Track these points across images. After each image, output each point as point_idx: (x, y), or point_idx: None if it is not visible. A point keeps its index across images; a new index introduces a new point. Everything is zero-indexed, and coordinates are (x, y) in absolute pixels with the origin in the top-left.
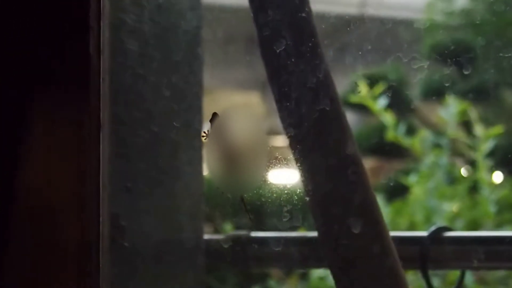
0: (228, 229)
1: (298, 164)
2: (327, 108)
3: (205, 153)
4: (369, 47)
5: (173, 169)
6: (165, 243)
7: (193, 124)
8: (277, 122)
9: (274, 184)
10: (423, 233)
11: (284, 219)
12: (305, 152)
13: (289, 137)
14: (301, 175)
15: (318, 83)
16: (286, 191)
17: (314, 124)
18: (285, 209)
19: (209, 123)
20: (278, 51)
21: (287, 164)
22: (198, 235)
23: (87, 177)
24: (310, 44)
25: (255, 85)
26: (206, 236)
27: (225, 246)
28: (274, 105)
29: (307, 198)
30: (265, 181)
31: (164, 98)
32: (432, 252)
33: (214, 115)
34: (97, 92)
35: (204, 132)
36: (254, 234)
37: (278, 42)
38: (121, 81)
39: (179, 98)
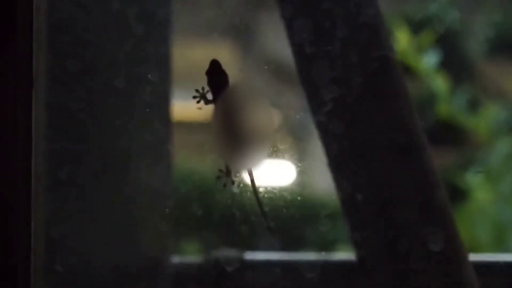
0: (192, 249)
1: (344, 143)
2: (390, 56)
3: (212, 124)
4: None
5: (130, 152)
6: (115, 268)
7: (160, 85)
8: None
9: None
10: None
11: (322, 227)
12: (355, 124)
13: (330, 100)
14: (343, 163)
15: (377, 17)
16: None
17: (371, 80)
18: (323, 213)
19: (205, 77)
20: None
21: (278, 154)
22: (164, 257)
23: (12, 162)
24: None
25: (223, 30)
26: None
27: (229, 269)
28: (251, 60)
29: (359, 196)
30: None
31: (120, 42)
32: None
33: (214, 63)
34: (28, 30)
35: (197, 91)
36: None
37: None
38: (63, 14)
39: (142, 44)
